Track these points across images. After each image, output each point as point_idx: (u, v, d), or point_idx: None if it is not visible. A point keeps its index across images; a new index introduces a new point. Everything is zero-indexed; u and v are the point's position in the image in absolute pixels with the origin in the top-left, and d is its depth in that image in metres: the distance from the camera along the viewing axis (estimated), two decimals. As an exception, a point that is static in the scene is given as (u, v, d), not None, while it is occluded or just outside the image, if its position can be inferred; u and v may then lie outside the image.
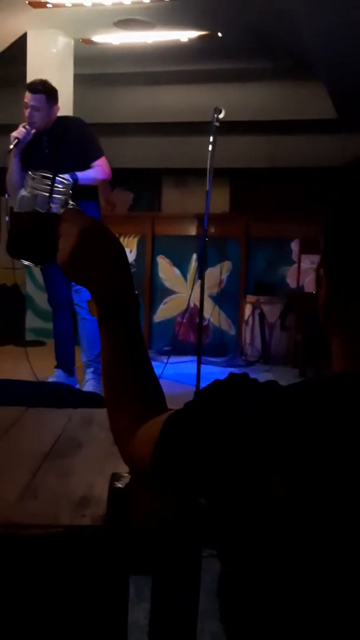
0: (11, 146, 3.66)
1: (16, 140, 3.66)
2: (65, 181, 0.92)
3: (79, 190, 3.47)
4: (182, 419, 0.77)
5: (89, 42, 5.51)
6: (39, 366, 3.98)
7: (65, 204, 0.98)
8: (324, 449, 0.65)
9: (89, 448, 1.14)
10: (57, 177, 0.89)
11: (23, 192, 0.99)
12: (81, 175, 3.59)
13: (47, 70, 5.18)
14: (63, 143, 3.75)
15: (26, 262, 0.99)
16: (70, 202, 0.99)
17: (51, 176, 0.99)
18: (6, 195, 3.91)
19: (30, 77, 5.32)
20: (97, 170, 3.77)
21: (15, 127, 3.78)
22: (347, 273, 0.72)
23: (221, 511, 0.69)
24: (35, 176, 0.99)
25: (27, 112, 3.73)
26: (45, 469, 1.02)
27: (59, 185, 0.90)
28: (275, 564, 0.65)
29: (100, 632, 0.78)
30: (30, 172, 1.00)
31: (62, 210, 0.97)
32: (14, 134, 3.69)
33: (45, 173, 0.99)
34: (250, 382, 0.76)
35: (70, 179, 3.40)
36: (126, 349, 0.88)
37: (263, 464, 0.66)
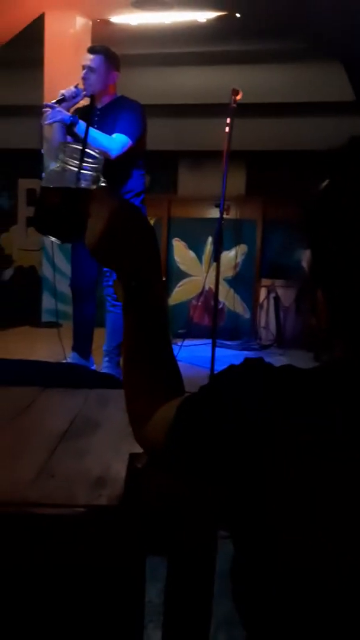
0: (53, 101, 3.38)
1: (61, 97, 3.39)
2: (98, 156, 0.90)
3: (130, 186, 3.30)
4: (196, 403, 0.77)
5: (106, 22, 5.47)
6: (55, 348, 4.01)
7: (96, 180, 0.96)
8: (338, 435, 0.65)
9: (105, 428, 1.14)
10: (88, 151, 0.87)
11: (53, 165, 0.97)
12: (93, 131, 3.30)
13: (65, 52, 5.16)
14: (110, 120, 3.51)
15: (52, 239, 0.98)
16: (102, 179, 0.97)
17: (82, 149, 0.96)
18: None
19: (48, 58, 5.30)
20: (110, 140, 3.43)
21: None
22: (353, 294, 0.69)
23: (232, 495, 0.70)
24: (66, 149, 0.96)
25: (82, 73, 3.51)
26: (61, 449, 1.02)
27: (90, 160, 0.88)
28: (283, 550, 0.65)
29: (117, 612, 0.79)
30: (62, 144, 0.97)
31: (93, 187, 0.95)
32: (62, 90, 3.42)
33: (77, 146, 0.96)
34: (266, 367, 0.76)
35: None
36: (149, 333, 0.88)
37: (274, 450, 0.66)
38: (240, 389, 0.73)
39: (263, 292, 5.35)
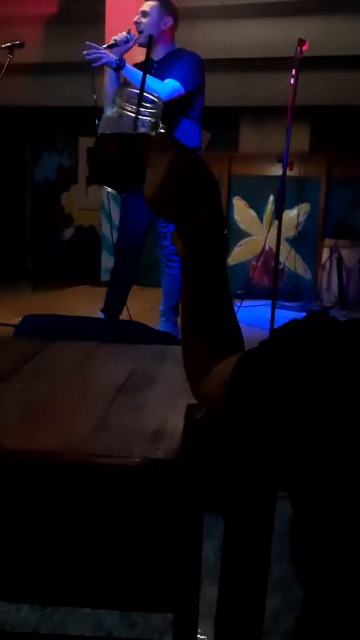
0: (104, 46, 3.35)
1: (113, 42, 3.36)
2: (156, 100, 0.87)
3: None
4: (256, 358, 0.74)
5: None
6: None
7: (155, 126, 0.92)
8: None
9: (162, 383, 1.13)
10: (146, 95, 0.83)
11: (109, 111, 0.93)
12: (150, 78, 3.23)
13: (126, 6, 5.07)
14: (167, 73, 3.44)
15: (109, 189, 0.94)
16: (161, 125, 0.93)
17: (140, 93, 0.91)
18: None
19: (109, 13, 5.22)
20: (160, 84, 3.34)
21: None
22: None
23: (291, 454, 0.68)
24: (123, 94, 0.92)
25: (135, 18, 3.48)
26: (118, 403, 1.02)
27: (149, 104, 0.84)
28: (344, 511, 0.63)
29: (174, 567, 0.79)
30: (118, 88, 0.93)
31: (152, 133, 0.91)
32: (114, 36, 3.40)
33: (135, 89, 0.91)
34: (330, 320, 0.72)
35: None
36: (209, 289, 0.84)
37: (337, 408, 0.63)
38: (302, 342, 0.70)
39: (325, 253, 5.23)
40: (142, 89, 0.91)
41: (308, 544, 0.68)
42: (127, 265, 3.89)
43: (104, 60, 3.29)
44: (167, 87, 3.35)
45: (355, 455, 0.62)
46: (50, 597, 0.89)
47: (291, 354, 0.69)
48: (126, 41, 3.40)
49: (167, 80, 3.37)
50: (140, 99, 0.91)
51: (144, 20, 3.50)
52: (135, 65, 3.54)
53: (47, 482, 0.80)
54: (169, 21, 3.58)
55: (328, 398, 0.64)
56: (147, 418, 0.94)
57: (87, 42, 3.31)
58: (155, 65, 3.57)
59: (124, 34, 3.40)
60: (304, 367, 0.67)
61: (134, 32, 3.47)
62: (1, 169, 7.55)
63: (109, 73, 3.44)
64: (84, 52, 3.29)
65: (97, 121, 3.68)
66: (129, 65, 3.28)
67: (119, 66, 3.29)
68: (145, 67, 0.98)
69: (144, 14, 3.50)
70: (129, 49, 3.44)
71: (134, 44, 3.45)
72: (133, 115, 0.90)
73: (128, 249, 3.86)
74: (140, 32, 3.49)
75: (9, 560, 0.83)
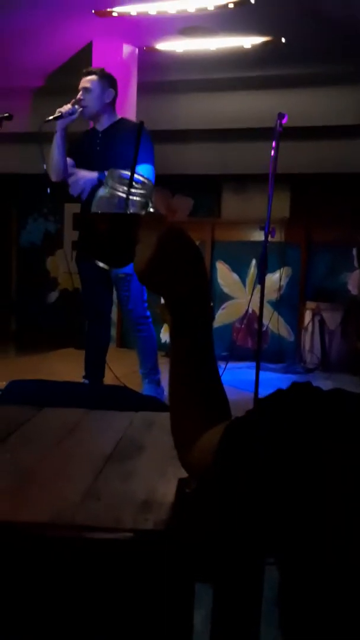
0: (50, 117, 3.50)
1: (59, 114, 3.49)
2: (146, 181, 0.92)
3: None
4: (244, 426, 0.76)
5: (153, 50, 5.57)
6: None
7: (145, 205, 0.97)
8: None
9: (150, 451, 1.14)
10: (136, 177, 0.88)
11: (102, 192, 0.98)
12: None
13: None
14: (117, 143, 3.57)
15: (101, 264, 0.99)
16: (150, 204, 0.98)
17: (130, 175, 0.97)
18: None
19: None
20: (144, 169, 3.45)
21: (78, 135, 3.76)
22: None
23: (281, 520, 0.69)
24: (114, 175, 0.97)
25: (78, 95, 3.61)
26: (107, 471, 1.03)
27: (139, 186, 0.89)
28: (335, 577, 0.64)
29: (166, 637, 0.79)
30: (110, 171, 0.99)
31: (141, 212, 0.96)
32: (60, 108, 3.54)
33: (124, 172, 0.97)
34: (315, 391, 0.75)
35: (152, 180, 3.26)
36: (197, 358, 0.87)
37: (323, 477, 0.65)
38: (288, 413, 0.72)
39: (308, 315, 5.30)
40: (132, 171, 0.97)
41: (299, 611, 0.69)
42: (98, 329, 3.93)
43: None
44: (150, 174, 3.54)
45: (344, 520, 0.64)
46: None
47: (278, 425, 0.71)
48: (71, 113, 3.55)
49: (143, 167, 3.47)
50: (131, 181, 0.96)
51: (87, 95, 3.62)
52: (86, 134, 3.77)
53: (36, 555, 0.80)
54: (111, 93, 3.71)
55: (315, 467, 0.66)
56: (136, 486, 0.95)
57: (45, 119, 3.52)
58: (100, 135, 3.71)
59: (69, 106, 3.56)
60: (289, 438, 0.69)
61: (78, 105, 3.63)
62: (-13, 233, 7.65)
63: (55, 141, 3.59)
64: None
65: (48, 190, 3.81)
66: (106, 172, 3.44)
67: (99, 180, 3.50)
68: (136, 154, 1.04)
69: (87, 90, 3.62)
70: (72, 121, 3.60)
71: (77, 116, 3.60)
72: (124, 195, 0.95)
73: (96, 313, 3.91)
74: (85, 107, 3.62)
75: (-2, 633, 0.83)
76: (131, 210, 0.95)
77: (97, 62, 5.36)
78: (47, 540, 0.79)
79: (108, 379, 4.02)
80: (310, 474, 0.66)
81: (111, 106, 3.72)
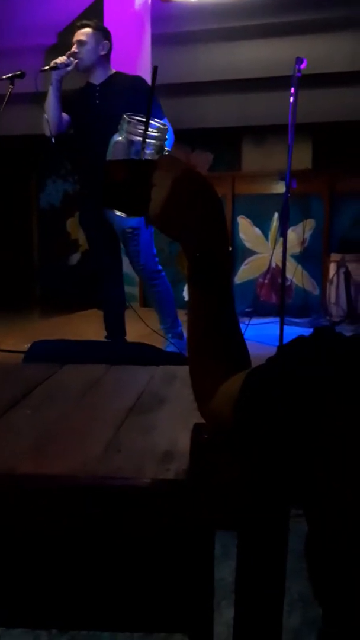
0: (45, 67, 3.51)
1: (54, 65, 3.49)
2: (161, 126, 0.90)
3: None
4: (263, 374, 0.74)
5: (166, 0, 5.43)
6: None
7: (160, 150, 0.94)
8: None
9: (172, 404, 1.14)
10: (152, 122, 0.86)
11: (117, 138, 0.95)
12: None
13: (125, 31, 5.14)
14: (116, 96, 3.55)
15: (119, 213, 0.96)
16: (166, 149, 0.95)
17: (146, 120, 0.94)
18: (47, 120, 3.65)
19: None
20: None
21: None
22: None
23: (302, 471, 0.67)
24: (131, 120, 0.95)
25: (73, 48, 3.58)
26: (128, 424, 1.02)
27: (154, 130, 0.87)
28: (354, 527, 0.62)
29: (186, 587, 0.79)
30: (125, 116, 0.96)
31: (157, 157, 0.93)
32: (55, 60, 3.53)
33: (140, 117, 0.95)
34: (337, 336, 0.73)
35: (167, 124, 3.21)
36: (215, 307, 0.85)
37: (348, 422, 0.63)
38: (310, 359, 0.70)
39: (333, 267, 5.23)
40: (148, 115, 0.94)
41: (324, 559, 0.68)
42: (112, 286, 3.91)
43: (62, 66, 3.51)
44: (170, 133, 3.46)
45: (343, 475, 0.62)
46: (68, 622, 0.89)
47: (299, 370, 0.69)
48: (66, 65, 3.53)
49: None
50: (147, 125, 0.93)
51: (82, 48, 3.59)
52: (83, 89, 3.70)
53: (61, 507, 0.80)
54: (107, 45, 3.67)
55: (337, 412, 0.64)
56: (158, 439, 0.95)
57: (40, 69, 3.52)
58: (98, 88, 3.67)
59: (64, 58, 3.54)
60: (312, 383, 0.67)
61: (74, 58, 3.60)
62: (7, 196, 7.63)
63: (50, 93, 3.57)
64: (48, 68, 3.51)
65: (52, 141, 3.75)
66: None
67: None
68: (151, 98, 1.00)
69: (81, 42, 3.59)
70: (67, 73, 3.57)
71: (73, 67, 3.57)
72: (139, 140, 0.93)
73: (107, 272, 3.90)
74: (80, 59, 3.59)
75: (28, 585, 0.83)
76: (147, 155, 0.92)
77: (108, 15, 5.24)
78: (69, 490, 0.79)
79: (132, 337, 4.02)
80: (334, 420, 0.64)
81: (106, 58, 3.70)
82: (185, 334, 4.08)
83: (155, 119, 0.96)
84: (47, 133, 3.68)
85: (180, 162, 0.86)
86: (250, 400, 0.74)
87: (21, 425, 1.05)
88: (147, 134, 0.94)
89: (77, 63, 3.57)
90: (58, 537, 0.81)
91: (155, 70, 1.20)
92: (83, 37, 3.59)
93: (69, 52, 3.58)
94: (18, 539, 0.82)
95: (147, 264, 3.75)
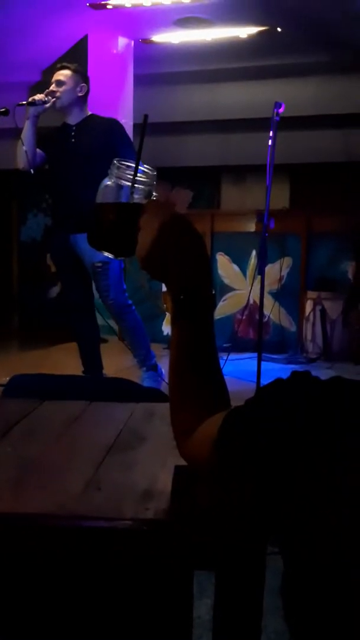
0: (23, 102, 3.60)
1: (31, 100, 3.59)
2: (149, 171, 0.92)
3: None
4: (242, 415, 0.76)
5: (149, 42, 5.54)
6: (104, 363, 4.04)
7: (149, 194, 0.97)
8: None
9: (151, 441, 1.14)
10: (141, 167, 0.89)
11: (107, 182, 0.98)
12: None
13: (108, 72, 5.24)
14: (91, 137, 3.67)
15: (107, 254, 0.99)
16: (154, 194, 0.98)
17: (135, 165, 0.97)
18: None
19: (92, 79, 5.38)
20: None
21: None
22: None
23: (281, 509, 0.69)
24: (120, 165, 0.97)
25: (52, 87, 3.68)
26: (108, 462, 1.03)
27: (142, 176, 0.90)
28: (340, 565, 0.64)
29: (165, 627, 0.79)
30: (115, 161, 0.99)
31: (145, 201, 0.97)
32: (34, 96, 3.63)
33: (129, 162, 0.98)
34: (313, 380, 0.75)
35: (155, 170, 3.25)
36: (197, 346, 0.87)
37: (327, 464, 0.65)
38: (287, 402, 0.72)
39: (309, 305, 5.30)
40: (137, 159, 0.97)
41: (299, 597, 0.69)
42: (82, 322, 3.94)
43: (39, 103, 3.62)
44: None
45: (343, 506, 0.64)
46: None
47: (276, 413, 0.71)
48: (44, 102, 3.63)
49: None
50: (136, 170, 0.96)
51: (60, 88, 3.69)
52: (59, 129, 3.79)
53: (39, 545, 0.80)
54: (84, 88, 3.77)
55: (312, 454, 0.66)
56: (137, 477, 0.95)
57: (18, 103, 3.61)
58: (74, 128, 3.76)
59: (42, 95, 3.64)
60: (289, 425, 0.69)
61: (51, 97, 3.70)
62: (-13, 230, 7.64)
63: (26, 127, 3.67)
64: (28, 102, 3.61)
65: (31, 171, 3.81)
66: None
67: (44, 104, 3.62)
68: (141, 145, 1.04)
69: (60, 83, 3.69)
70: (45, 110, 3.67)
71: (50, 105, 3.67)
72: (129, 184, 0.96)
73: (77, 306, 3.93)
74: (57, 99, 3.68)
75: (3, 624, 0.83)
76: (136, 199, 0.95)
77: (92, 55, 5.34)
78: (48, 530, 0.80)
79: (111, 370, 4.02)
80: (310, 462, 0.66)
81: (83, 100, 3.79)
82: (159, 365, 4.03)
83: (145, 165, 0.99)
84: (21, 165, 3.75)
85: (167, 206, 0.89)
86: (229, 440, 0.76)
87: (1, 462, 1.05)
88: (136, 179, 0.97)
89: (54, 101, 3.67)
90: (36, 575, 0.81)
91: (145, 118, 1.24)
92: (62, 78, 3.69)
93: (47, 90, 3.67)
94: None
95: (117, 299, 3.78)
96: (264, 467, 0.70)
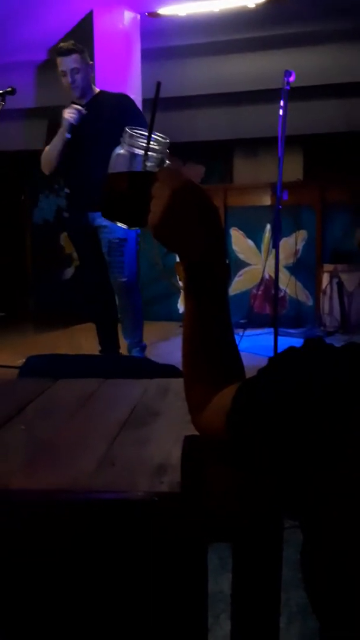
0: (68, 135, 3.60)
1: (70, 127, 3.59)
2: (161, 139, 0.91)
3: None
4: (255, 386, 0.75)
5: (155, 15, 5.46)
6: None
7: (161, 162, 0.95)
8: None
9: (165, 417, 1.13)
10: (153, 135, 0.87)
11: (119, 150, 0.96)
12: None
13: (115, 47, 5.18)
14: (102, 114, 3.63)
15: (120, 224, 0.97)
16: (167, 162, 0.96)
17: (148, 133, 0.95)
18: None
19: (98, 55, 5.33)
20: None
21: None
22: None
23: (295, 481, 0.67)
24: (133, 133, 0.96)
25: (66, 79, 3.64)
26: (122, 438, 1.02)
27: (155, 143, 0.88)
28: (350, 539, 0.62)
29: (180, 600, 0.78)
30: (127, 129, 0.98)
31: (157, 169, 0.94)
32: (68, 117, 3.60)
33: (142, 130, 0.96)
34: (327, 346, 0.73)
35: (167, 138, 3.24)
36: (211, 317, 0.85)
37: (343, 431, 0.64)
38: (300, 369, 0.70)
39: (325, 278, 5.24)
40: (150, 128, 0.95)
41: (319, 570, 0.68)
42: (103, 300, 3.93)
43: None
44: None
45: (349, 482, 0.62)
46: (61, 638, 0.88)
47: (290, 382, 0.70)
48: (79, 115, 3.63)
49: None
50: (149, 138, 0.94)
51: (77, 76, 3.65)
52: (73, 104, 3.74)
53: (55, 521, 0.80)
54: (92, 65, 3.79)
55: (328, 422, 0.64)
56: (151, 452, 0.94)
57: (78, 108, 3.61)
58: (84, 106, 3.72)
59: (74, 112, 3.62)
60: (303, 394, 0.67)
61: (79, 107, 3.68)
62: (0, 212, 7.64)
63: (60, 139, 3.65)
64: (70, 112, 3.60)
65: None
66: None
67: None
68: (154, 112, 1.01)
69: (75, 70, 3.64)
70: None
71: (84, 113, 3.66)
72: (141, 152, 0.94)
73: (95, 287, 3.92)
74: (76, 88, 3.67)
75: (22, 601, 0.83)
76: (149, 167, 0.93)
77: (98, 31, 5.28)
78: (62, 504, 0.79)
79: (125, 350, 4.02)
80: (323, 434, 0.64)
81: (92, 78, 3.80)
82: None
83: (157, 133, 0.97)
84: (47, 171, 3.76)
85: (179, 174, 0.86)
86: (242, 410, 0.74)
87: (15, 441, 1.05)
88: (149, 147, 0.95)
89: (74, 90, 3.67)
90: (51, 551, 0.81)
91: (158, 85, 1.21)
92: (76, 65, 3.64)
93: (74, 107, 3.65)
94: (10, 554, 0.81)
95: (130, 277, 3.77)
96: (278, 439, 0.68)
